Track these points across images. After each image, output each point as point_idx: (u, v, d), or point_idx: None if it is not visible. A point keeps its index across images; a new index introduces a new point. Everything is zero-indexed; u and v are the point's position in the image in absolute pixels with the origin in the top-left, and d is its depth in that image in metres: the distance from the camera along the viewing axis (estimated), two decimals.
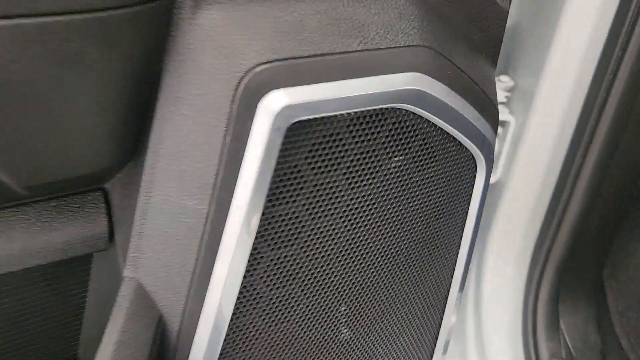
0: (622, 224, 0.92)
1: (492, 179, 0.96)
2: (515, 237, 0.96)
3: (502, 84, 0.91)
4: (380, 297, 0.61)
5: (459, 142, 0.56)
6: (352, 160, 0.50)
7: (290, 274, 0.52)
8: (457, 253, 0.65)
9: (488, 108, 0.57)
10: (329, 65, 0.45)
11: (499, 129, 0.93)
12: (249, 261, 0.49)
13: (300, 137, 0.45)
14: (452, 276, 0.67)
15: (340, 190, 0.51)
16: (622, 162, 0.84)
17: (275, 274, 0.51)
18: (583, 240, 0.92)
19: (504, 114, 0.92)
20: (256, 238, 0.48)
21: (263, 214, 0.47)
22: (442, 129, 0.54)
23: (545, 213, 0.92)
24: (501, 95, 0.92)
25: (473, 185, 0.61)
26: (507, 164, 0.93)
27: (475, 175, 0.60)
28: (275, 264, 0.51)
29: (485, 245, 0.99)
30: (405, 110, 0.50)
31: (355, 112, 0.47)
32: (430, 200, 0.58)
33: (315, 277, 0.54)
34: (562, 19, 0.80)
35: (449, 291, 0.68)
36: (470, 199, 0.61)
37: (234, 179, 0.45)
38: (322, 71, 0.45)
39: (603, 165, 0.84)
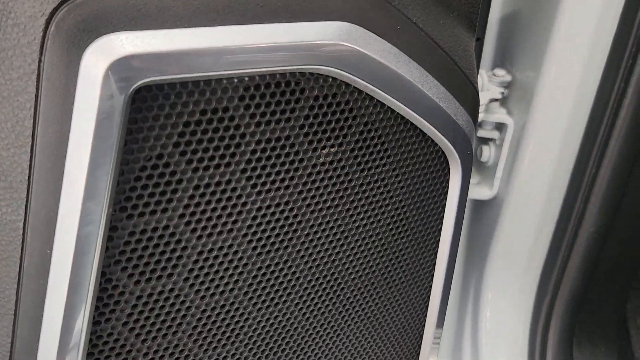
0: None
1: (489, 195, 0.84)
2: (517, 265, 0.84)
3: (498, 79, 0.79)
4: (320, 347, 0.45)
5: (421, 130, 0.40)
6: (255, 151, 0.34)
7: (173, 318, 0.36)
8: (430, 282, 0.49)
9: (462, 86, 0.42)
10: (202, 2, 0.30)
11: (496, 134, 0.81)
12: (100, 299, 0.33)
13: (161, 111, 0.30)
14: (425, 311, 0.50)
15: (241, 196, 0.35)
16: None
17: (148, 318, 0.35)
18: (600, 268, 0.80)
19: (500, 115, 0.80)
20: (108, 265, 0.32)
21: (115, 228, 0.32)
22: (392, 110, 0.38)
23: (552, 235, 0.80)
24: (496, 92, 0.78)
25: (446, 193, 0.45)
26: (506, 176, 0.81)
27: (447, 178, 0.44)
28: (146, 303, 0.35)
29: (482, 276, 0.87)
30: (333, 78, 0.34)
31: (250, 76, 0.32)
32: (384, 212, 0.42)
33: (214, 323, 0.38)
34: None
35: (422, 329, 0.52)
36: (442, 210, 0.45)
37: (59, 174, 0.29)
38: (191, 11, 0.29)
39: (623, 174, 0.72)
